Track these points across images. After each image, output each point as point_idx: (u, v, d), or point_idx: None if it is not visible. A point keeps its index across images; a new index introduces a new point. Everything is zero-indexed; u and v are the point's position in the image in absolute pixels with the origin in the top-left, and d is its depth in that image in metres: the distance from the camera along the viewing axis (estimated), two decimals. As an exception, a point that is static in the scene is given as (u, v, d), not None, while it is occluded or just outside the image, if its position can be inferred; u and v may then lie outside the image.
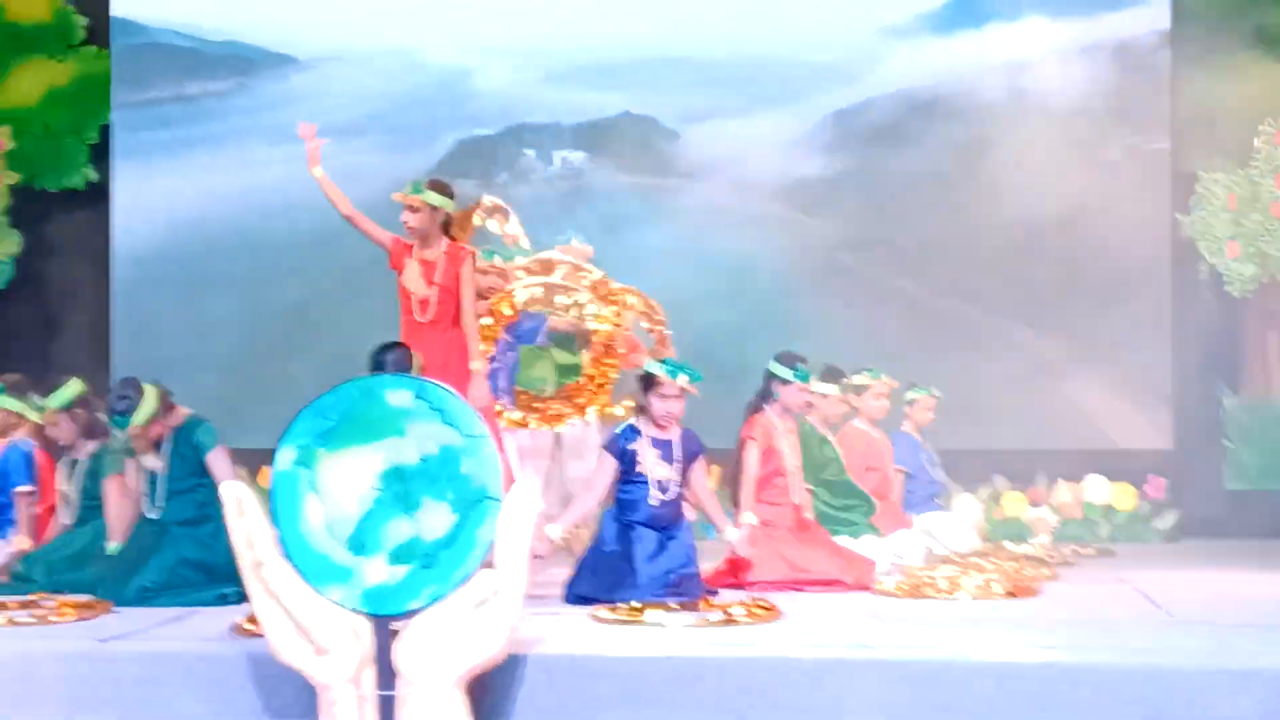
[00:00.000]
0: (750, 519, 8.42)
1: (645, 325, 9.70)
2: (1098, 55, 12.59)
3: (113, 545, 8.28)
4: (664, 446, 7.98)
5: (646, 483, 7.93)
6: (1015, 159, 12.50)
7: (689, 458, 8.03)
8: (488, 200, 10.02)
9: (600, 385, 9.62)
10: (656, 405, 7.97)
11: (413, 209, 8.72)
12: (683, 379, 7.93)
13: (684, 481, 8.03)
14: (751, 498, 8.54)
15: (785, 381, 8.71)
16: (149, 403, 7.95)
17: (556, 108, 12.77)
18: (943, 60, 12.67)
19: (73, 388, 8.91)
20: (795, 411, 8.91)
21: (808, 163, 12.74)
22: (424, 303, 8.70)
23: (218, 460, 8.06)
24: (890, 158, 12.66)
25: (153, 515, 8.09)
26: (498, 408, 9.13)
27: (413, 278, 8.71)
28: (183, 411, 8.19)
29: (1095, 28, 12.62)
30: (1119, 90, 12.61)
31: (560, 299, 9.61)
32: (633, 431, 8.04)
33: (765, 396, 8.78)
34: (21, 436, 9.51)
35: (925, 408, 10.73)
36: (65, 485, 8.93)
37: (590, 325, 9.61)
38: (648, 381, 8.02)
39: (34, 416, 9.35)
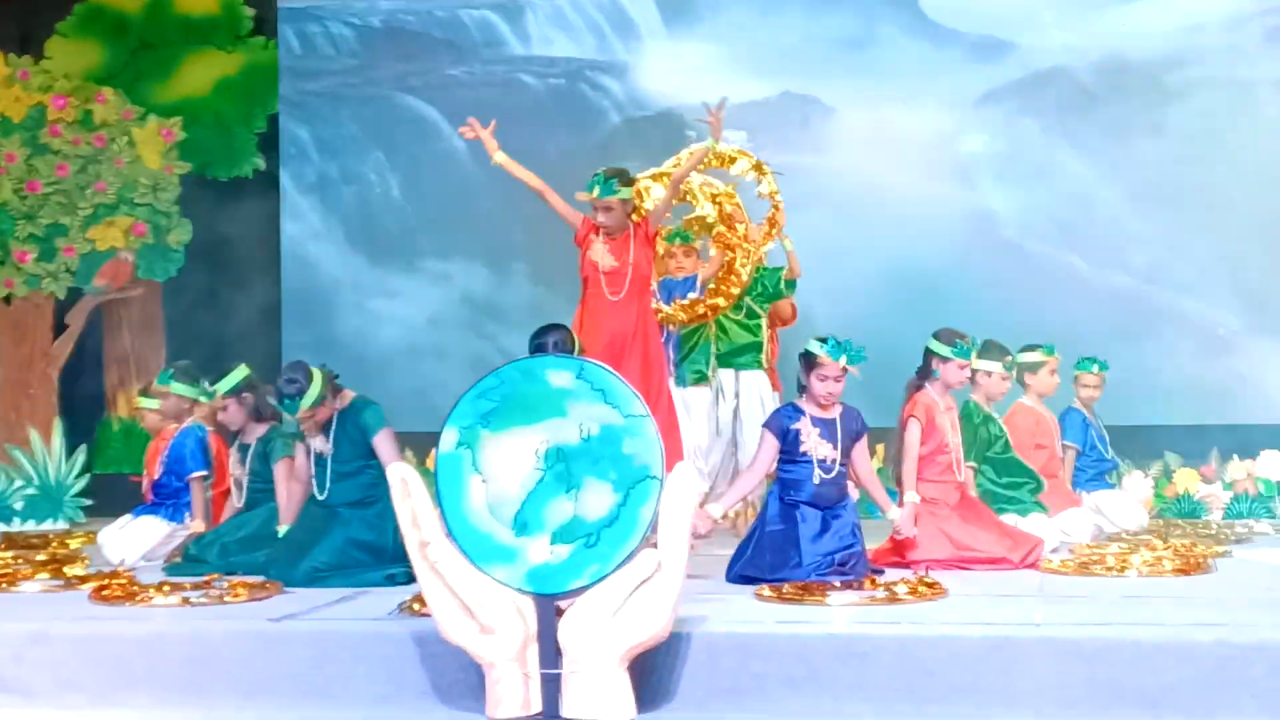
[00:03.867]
0: (913, 497, 8.34)
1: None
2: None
3: (283, 528, 8.43)
4: (826, 425, 7.92)
5: (810, 462, 7.88)
6: (1189, 129, 12.25)
7: (851, 437, 7.96)
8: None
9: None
10: (817, 386, 7.90)
11: (608, 209, 8.70)
12: (843, 360, 7.88)
13: (846, 460, 7.99)
14: (914, 476, 8.44)
15: (945, 359, 8.60)
16: (316, 386, 8.00)
17: (716, 88, 12.69)
18: (1111, 29, 12.39)
19: (239, 373, 9.05)
20: (955, 389, 8.80)
21: (972, 139, 12.58)
22: (612, 276, 8.71)
23: (384, 442, 8.10)
24: (1057, 131, 12.43)
25: (321, 497, 8.20)
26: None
27: (601, 253, 8.71)
28: (349, 394, 8.26)
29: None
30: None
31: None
32: (795, 410, 8.00)
33: (925, 374, 8.67)
34: (195, 422, 9.70)
35: (1093, 383, 10.56)
36: (236, 469, 9.09)
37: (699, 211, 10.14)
38: (808, 361, 7.95)
39: (205, 401, 9.52)
